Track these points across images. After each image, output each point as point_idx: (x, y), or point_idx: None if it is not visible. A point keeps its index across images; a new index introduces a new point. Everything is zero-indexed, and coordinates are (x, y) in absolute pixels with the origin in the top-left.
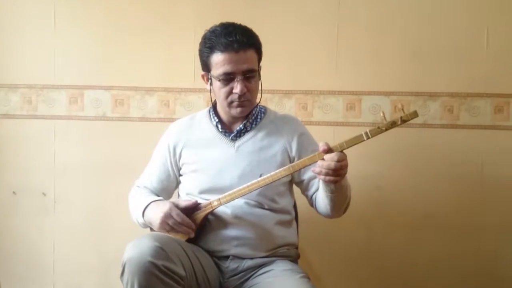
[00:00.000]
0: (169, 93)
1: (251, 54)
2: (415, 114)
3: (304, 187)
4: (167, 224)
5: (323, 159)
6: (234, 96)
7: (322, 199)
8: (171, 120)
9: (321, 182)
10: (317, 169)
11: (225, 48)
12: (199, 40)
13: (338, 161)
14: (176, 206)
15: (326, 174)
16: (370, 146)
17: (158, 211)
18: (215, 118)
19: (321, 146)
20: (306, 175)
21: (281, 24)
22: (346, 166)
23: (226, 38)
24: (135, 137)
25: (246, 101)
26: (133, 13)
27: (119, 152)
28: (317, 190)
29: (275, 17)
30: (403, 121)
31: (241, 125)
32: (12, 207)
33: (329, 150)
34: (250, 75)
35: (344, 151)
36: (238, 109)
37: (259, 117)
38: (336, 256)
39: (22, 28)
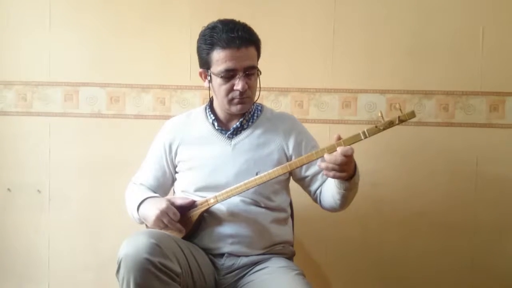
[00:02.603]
0: (165, 90)
1: (252, 51)
2: (412, 114)
3: (307, 183)
4: (162, 221)
5: (322, 156)
6: (235, 93)
7: (332, 194)
8: (167, 117)
9: (334, 179)
10: (323, 165)
11: (227, 45)
12: (195, 37)
13: (344, 155)
14: (172, 203)
15: (332, 169)
16: (365, 143)
17: (154, 208)
18: (211, 115)
19: (335, 137)
20: (310, 171)
21: (277, 22)
22: (350, 162)
23: (228, 34)
24: (130, 134)
25: (246, 98)
26: (129, 10)
27: (114, 149)
28: (321, 185)
29: (271, 14)
30: (401, 121)
31: (237, 123)
32: (7, 204)
33: (339, 138)
34: (251, 72)
35: None
36: (239, 106)
37: (255, 115)
38: (331, 253)
39: (17, 25)
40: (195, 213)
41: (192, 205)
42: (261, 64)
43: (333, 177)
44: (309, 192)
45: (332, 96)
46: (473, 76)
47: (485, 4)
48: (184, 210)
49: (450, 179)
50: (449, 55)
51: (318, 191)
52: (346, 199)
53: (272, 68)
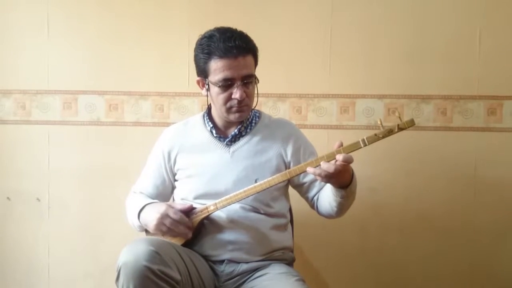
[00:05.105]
0: (163, 97)
1: (250, 59)
2: (412, 123)
3: (305, 190)
4: (164, 224)
5: (319, 165)
6: (234, 102)
7: (329, 202)
8: (165, 124)
9: (331, 187)
10: (317, 171)
11: (224, 54)
12: (193, 44)
13: (344, 161)
14: (172, 207)
15: (319, 175)
16: (364, 148)
17: (154, 212)
18: (209, 123)
19: (336, 145)
20: (308, 178)
21: (274, 28)
22: (344, 171)
23: (225, 43)
24: (129, 141)
25: (245, 106)
26: (127, 18)
27: (113, 157)
28: (318, 191)
29: (269, 21)
30: (400, 129)
31: (235, 130)
32: (6, 213)
33: (341, 145)
34: (249, 81)
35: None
36: (237, 115)
37: (253, 121)
38: (331, 258)
39: (15, 33)
40: (195, 220)
41: (191, 210)
42: (258, 71)
43: (324, 181)
44: (306, 199)
45: (330, 101)
46: (470, 80)
47: (481, 8)
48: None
49: (448, 183)
50: (446, 59)
51: (315, 198)
52: (343, 206)
53: (270, 74)
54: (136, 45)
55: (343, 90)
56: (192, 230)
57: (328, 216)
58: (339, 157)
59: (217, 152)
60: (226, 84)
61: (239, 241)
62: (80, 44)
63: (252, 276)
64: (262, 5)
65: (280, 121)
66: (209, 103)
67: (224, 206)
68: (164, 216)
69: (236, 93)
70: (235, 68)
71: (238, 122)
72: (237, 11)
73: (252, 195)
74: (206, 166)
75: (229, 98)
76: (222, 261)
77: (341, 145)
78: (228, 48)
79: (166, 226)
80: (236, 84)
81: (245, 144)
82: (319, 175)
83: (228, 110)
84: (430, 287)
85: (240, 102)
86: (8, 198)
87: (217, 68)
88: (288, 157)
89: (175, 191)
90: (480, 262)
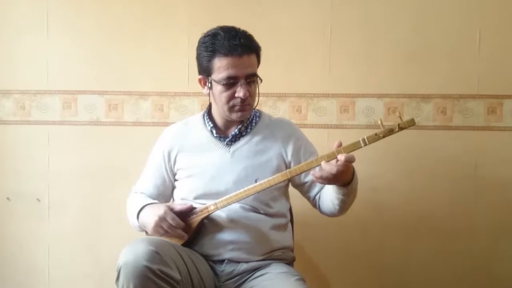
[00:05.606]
0: (163, 97)
1: (253, 58)
2: (412, 122)
3: (306, 189)
4: (161, 227)
5: (320, 164)
6: (237, 100)
7: (331, 200)
8: (165, 124)
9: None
10: (318, 174)
11: (229, 52)
12: (193, 43)
13: (347, 161)
14: (171, 209)
15: (327, 178)
16: (364, 148)
17: (152, 214)
18: (210, 123)
19: (335, 145)
20: (309, 177)
21: (274, 27)
22: (346, 171)
23: (230, 41)
24: (129, 141)
25: (247, 105)
26: (127, 17)
27: (113, 157)
28: (319, 190)
29: (268, 20)
30: (401, 128)
31: (236, 130)
32: (6, 213)
33: (340, 145)
34: (252, 80)
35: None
36: (239, 113)
37: (254, 121)
38: (332, 258)
39: (14, 33)
40: (195, 220)
41: (191, 210)
42: (258, 70)
43: (327, 184)
44: (308, 198)
45: (330, 101)
46: (470, 79)
47: (481, 7)
48: (184, 215)
49: (449, 183)
50: (446, 58)
51: (317, 197)
52: (344, 204)
53: (270, 73)
54: (136, 44)
55: (343, 89)
56: (191, 233)
57: (331, 215)
58: (341, 157)
59: (217, 152)
60: (230, 83)
61: (239, 241)
62: (80, 44)
63: (252, 275)
64: (262, 4)
65: (280, 121)
66: (209, 102)
67: (224, 206)
68: (162, 219)
69: (240, 92)
70: (239, 67)
71: (239, 121)
72: (236, 10)
73: (252, 195)
74: (206, 166)
75: (232, 97)
76: (222, 261)
77: (341, 144)
78: (233, 46)
79: (164, 229)
80: (239, 83)
81: (246, 144)
82: (321, 177)
83: (231, 108)
84: (430, 287)
85: (243, 101)
86: (8, 198)
87: (221, 66)
88: (289, 157)
89: (175, 191)
90: (481, 263)
